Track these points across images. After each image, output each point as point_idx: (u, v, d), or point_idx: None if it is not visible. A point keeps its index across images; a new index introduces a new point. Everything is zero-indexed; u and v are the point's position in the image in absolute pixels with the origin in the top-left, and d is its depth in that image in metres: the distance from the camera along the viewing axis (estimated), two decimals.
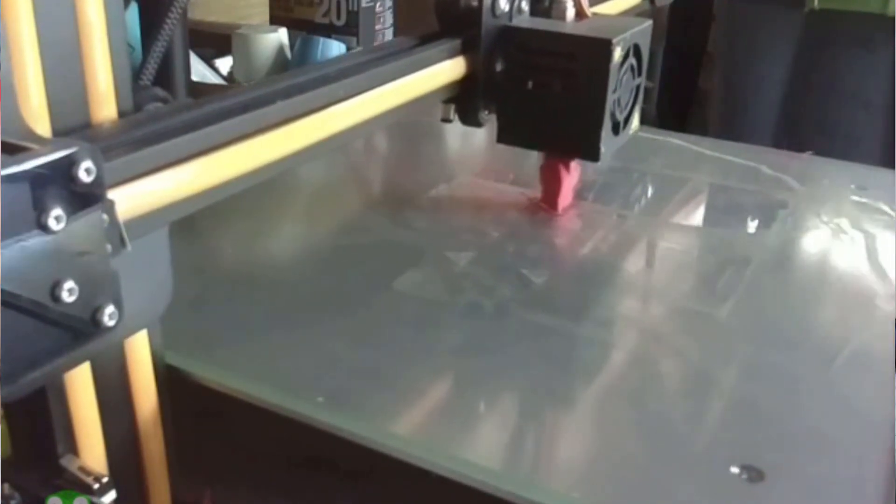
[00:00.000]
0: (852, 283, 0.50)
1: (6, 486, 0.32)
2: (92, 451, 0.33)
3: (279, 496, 0.39)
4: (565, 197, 0.57)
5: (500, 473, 0.34)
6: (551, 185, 0.56)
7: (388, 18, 0.88)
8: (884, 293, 0.48)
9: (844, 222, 0.57)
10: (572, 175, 0.56)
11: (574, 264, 0.53)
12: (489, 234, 0.54)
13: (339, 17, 0.85)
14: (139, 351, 0.34)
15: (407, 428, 0.36)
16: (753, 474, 0.33)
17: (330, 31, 0.85)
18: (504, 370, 0.40)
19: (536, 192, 0.58)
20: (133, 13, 0.61)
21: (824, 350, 0.42)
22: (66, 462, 0.32)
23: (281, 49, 0.81)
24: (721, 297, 0.47)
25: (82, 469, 0.32)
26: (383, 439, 0.35)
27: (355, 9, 0.85)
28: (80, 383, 0.32)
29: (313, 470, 0.38)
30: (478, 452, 0.35)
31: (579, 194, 0.58)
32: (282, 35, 0.82)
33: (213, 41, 0.87)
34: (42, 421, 0.31)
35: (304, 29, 0.86)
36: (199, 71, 0.82)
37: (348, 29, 0.85)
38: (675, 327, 0.45)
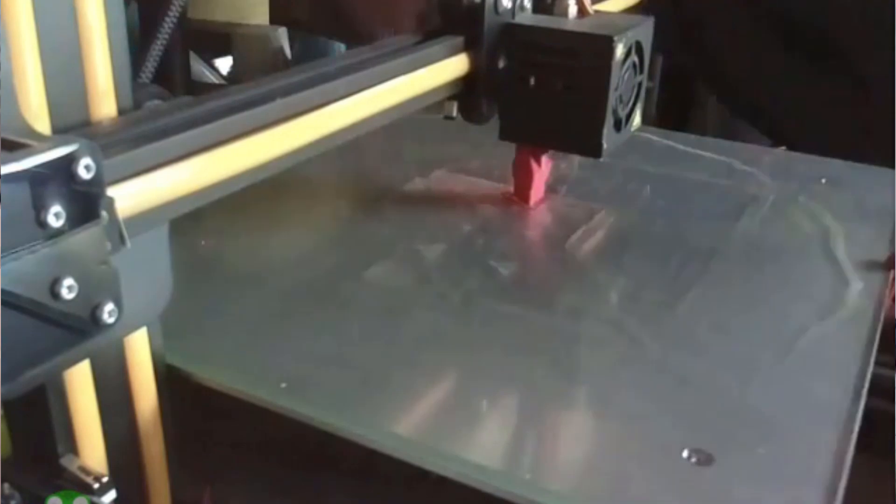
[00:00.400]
0: (816, 274, 0.50)
1: (6, 486, 0.32)
2: (92, 450, 0.33)
3: (279, 496, 0.38)
4: (537, 190, 0.57)
5: (469, 463, 0.34)
6: (523, 179, 0.56)
7: None
8: (846, 284, 0.49)
9: (811, 215, 0.58)
10: (543, 169, 0.56)
11: (542, 256, 0.53)
12: (461, 227, 0.54)
13: None
14: (139, 351, 0.34)
15: (389, 422, 0.36)
16: (703, 458, 0.34)
17: None
18: (470, 360, 0.41)
19: (510, 186, 0.58)
20: (133, 13, 0.61)
21: (782, 339, 0.43)
22: (66, 462, 0.32)
23: (281, 49, 0.81)
24: (683, 287, 0.47)
25: (82, 469, 0.32)
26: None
27: None
28: (80, 383, 0.32)
29: (313, 470, 0.38)
30: (459, 446, 0.35)
31: (552, 188, 0.59)
32: (282, 35, 0.81)
33: (213, 41, 0.87)
34: (42, 421, 0.31)
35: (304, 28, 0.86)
36: (199, 71, 0.82)
37: None
38: (638, 317, 0.45)
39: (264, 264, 0.50)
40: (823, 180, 0.64)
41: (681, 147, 0.69)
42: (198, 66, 0.82)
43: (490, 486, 0.32)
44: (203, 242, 0.53)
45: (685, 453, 0.34)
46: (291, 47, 0.83)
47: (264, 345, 0.41)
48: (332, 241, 0.53)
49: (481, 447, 0.35)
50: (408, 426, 0.36)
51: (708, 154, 0.68)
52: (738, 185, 0.63)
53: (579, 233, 0.54)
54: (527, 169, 0.56)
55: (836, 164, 0.68)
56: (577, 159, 0.64)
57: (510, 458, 0.35)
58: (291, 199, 0.61)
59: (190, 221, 0.53)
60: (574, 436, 0.37)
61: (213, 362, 0.39)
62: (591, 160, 0.65)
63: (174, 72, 0.60)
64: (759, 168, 0.65)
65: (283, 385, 0.37)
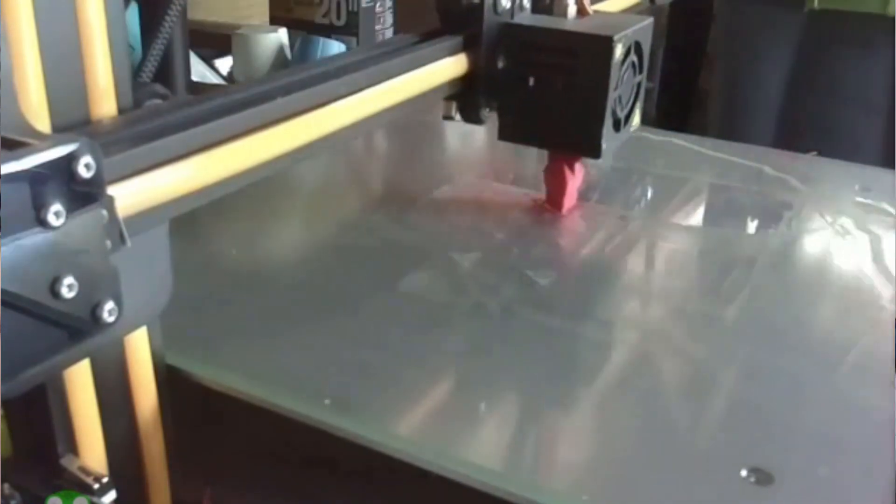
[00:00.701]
0: (857, 284, 0.50)
1: (6, 486, 0.31)
2: (92, 451, 0.33)
3: (279, 496, 0.38)
4: (570, 198, 0.56)
5: (503, 474, 0.33)
6: (555, 186, 0.56)
7: (389, 19, 0.88)
8: (888, 294, 0.48)
9: (848, 223, 0.57)
10: (577, 176, 0.56)
11: (579, 265, 0.52)
12: (494, 234, 0.54)
13: (339, 17, 0.85)
14: (139, 351, 0.34)
15: (409, 429, 0.36)
16: (762, 477, 0.33)
17: (330, 31, 0.85)
18: (508, 371, 0.40)
19: (540, 192, 0.57)
20: (133, 14, 0.61)
21: (830, 352, 0.42)
22: (67, 462, 0.32)
23: (281, 49, 0.81)
24: (726, 299, 0.47)
25: (82, 469, 0.32)
26: (383, 440, 0.35)
27: (355, 9, 0.85)
28: (81, 383, 0.32)
29: (313, 470, 0.38)
30: (480, 453, 0.35)
31: (583, 195, 0.58)
32: (282, 35, 0.82)
33: (214, 41, 0.87)
34: (42, 421, 0.31)
35: (304, 29, 0.86)
36: (199, 71, 0.82)
37: (348, 29, 0.85)
38: (680, 329, 0.45)
39: (296, 273, 0.50)
40: (857, 186, 0.63)
41: (710, 153, 0.69)
42: (199, 67, 0.82)
43: (524, 499, 0.32)
44: (234, 251, 0.53)
45: (744, 472, 0.33)
46: (291, 47, 0.83)
47: (296, 355, 0.40)
48: (363, 250, 0.52)
49: (524, 461, 0.35)
50: (443, 438, 0.36)
51: (738, 160, 0.67)
52: (771, 191, 0.62)
53: (616, 241, 0.53)
54: (560, 176, 0.55)
55: (868, 170, 0.67)
56: (606, 166, 0.64)
57: (556, 473, 0.35)
58: (317, 207, 0.61)
59: (219, 228, 0.54)
60: (625, 454, 0.36)
61: (238, 370, 0.38)
62: (620, 166, 0.64)
63: (175, 72, 0.60)
64: (791, 174, 0.64)
65: (327, 401, 0.36)
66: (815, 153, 0.71)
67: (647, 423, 0.37)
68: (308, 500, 0.38)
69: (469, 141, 0.71)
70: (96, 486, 0.31)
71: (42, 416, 0.31)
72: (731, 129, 1.15)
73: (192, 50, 0.76)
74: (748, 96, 1.16)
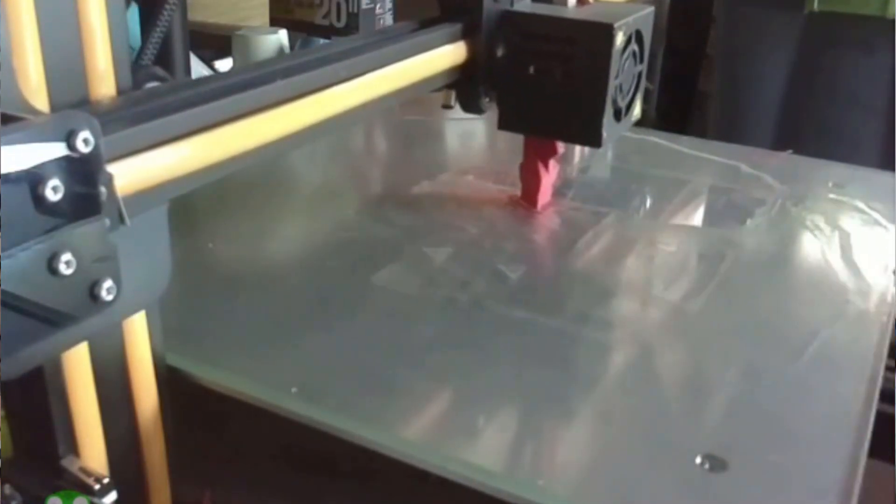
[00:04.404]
0: (826, 278, 0.50)
1: (7, 486, 0.31)
2: (92, 451, 0.32)
3: (279, 497, 0.38)
4: (544, 194, 0.57)
5: (472, 466, 0.33)
6: (531, 183, 0.56)
7: (389, 20, 0.88)
8: (856, 289, 0.48)
9: (820, 220, 0.57)
10: (551, 173, 0.56)
11: (550, 260, 0.53)
12: (468, 230, 0.54)
13: (339, 18, 0.85)
14: (139, 351, 0.34)
15: (395, 426, 0.36)
16: (716, 464, 0.33)
17: (330, 32, 0.85)
18: (478, 364, 0.40)
19: (517, 189, 0.58)
20: (133, 16, 0.61)
21: (794, 343, 0.42)
22: (67, 463, 0.31)
23: (281, 51, 0.81)
24: (694, 292, 0.47)
25: (83, 470, 0.31)
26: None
27: (355, 10, 0.85)
28: (81, 384, 0.31)
29: (313, 471, 0.38)
30: (466, 450, 0.35)
31: (559, 192, 0.59)
32: (282, 37, 0.82)
33: (214, 42, 0.87)
34: (43, 421, 0.31)
35: (305, 30, 0.86)
36: (199, 72, 0.82)
37: (348, 31, 0.85)
38: (647, 321, 0.45)
39: (272, 269, 0.50)
40: (831, 183, 0.64)
41: (686, 150, 0.69)
42: (199, 69, 0.82)
43: (498, 490, 0.32)
44: (210, 245, 0.53)
45: (698, 460, 0.34)
46: (291, 49, 0.83)
47: (271, 347, 0.40)
48: (339, 245, 0.53)
49: (490, 452, 0.35)
50: (415, 430, 0.36)
51: (715, 157, 0.68)
52: (746, 188, 0.62)
53: (587, 237, 0.54)
54: (535, 173, 0.56)
55: (843, 168, 0.68)
56: (582, 163, 0.64)
57: (518, 463, 0.35)
58: (297, 201, 0.61)
59: (198, 225, 0.54)
60: (584, 441, 0.36)
61: (217, 364, 0.38)
62: (598, 164, 0.64)
63: (174, 60, 0.60)
64: (766, 172, 0.65)
65: (294, 390, 0.36)
66: (790, 151, 0.71)
67: (604, 410, 0.38)
68: (307, 501, 0.38)
69: (450, 138, 0.72)
70: (97, 486, 0.31)
71: (42, 417, 0.31)
72: (730, 131, 1.15)
73: (193, 51, 0.76)
74: (748, 98, 1.16)
